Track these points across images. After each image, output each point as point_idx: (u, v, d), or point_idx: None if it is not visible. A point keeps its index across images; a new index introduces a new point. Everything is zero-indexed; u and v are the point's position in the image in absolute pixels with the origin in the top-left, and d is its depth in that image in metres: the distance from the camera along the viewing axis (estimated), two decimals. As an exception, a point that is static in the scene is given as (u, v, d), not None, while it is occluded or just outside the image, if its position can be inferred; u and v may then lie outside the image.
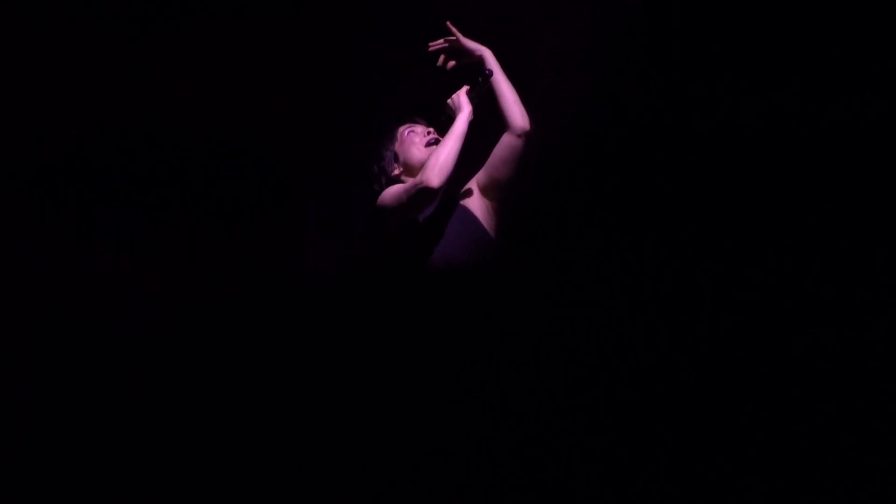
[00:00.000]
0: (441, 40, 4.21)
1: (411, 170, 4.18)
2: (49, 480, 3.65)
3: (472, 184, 4.25)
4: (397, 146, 4.18)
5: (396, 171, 4.17)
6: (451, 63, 4.19)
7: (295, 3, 4.35)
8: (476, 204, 4.21)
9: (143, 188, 4.06)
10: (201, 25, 4.16)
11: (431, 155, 3.90)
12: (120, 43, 4.09)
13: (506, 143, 4.15)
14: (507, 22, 4.40)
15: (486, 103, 4.19)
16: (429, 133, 4.14)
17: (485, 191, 4.22)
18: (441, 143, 3.94)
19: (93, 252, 3.93)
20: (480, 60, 4.15)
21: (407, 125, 4.20)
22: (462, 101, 4.06)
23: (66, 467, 3.65)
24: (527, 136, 4.10)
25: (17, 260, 3.85)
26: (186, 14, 4.15)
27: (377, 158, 4.21)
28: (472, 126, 4.06)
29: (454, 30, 4.18)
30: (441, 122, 4.13)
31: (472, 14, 4.13)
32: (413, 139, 4.17)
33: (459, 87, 4.16)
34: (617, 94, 3.92)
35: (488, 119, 4.22)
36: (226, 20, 4.17)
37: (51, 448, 3.67)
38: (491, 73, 4.08)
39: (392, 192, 4.06)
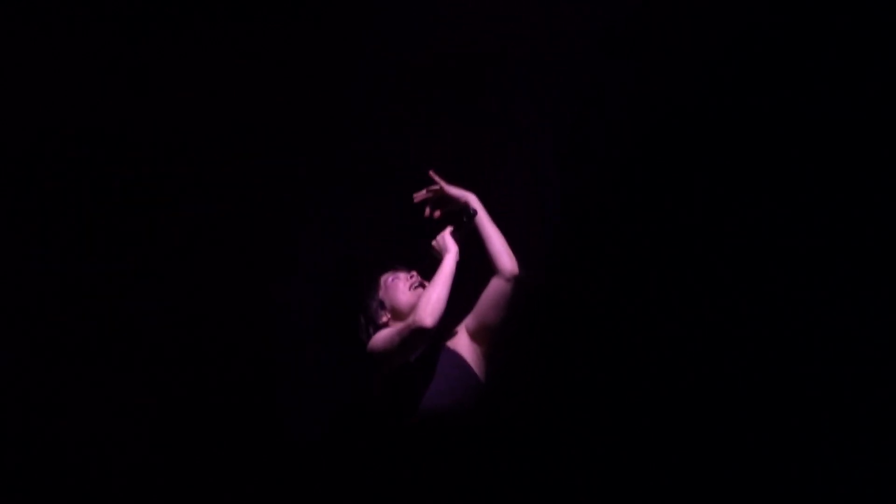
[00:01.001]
0: (424, 191, 4.20)
1: (399, 314, 4.15)
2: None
3: (461, 328, 4.21)
4: (382, 294, 4.16)
5: (384, 319, 4.14)
6: (437, 212, 4.19)
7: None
8: (465, 348, 4.16)
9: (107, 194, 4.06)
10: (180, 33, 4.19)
11: (422, 296, 3.89)
12: (114, 43, 4.11)
13: (494, 288, 4.13)
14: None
15: (473, 247, 4.20)
16: (411, 277, 4.13)
17: (474, 335, 4.19)
18: (430, 284, 3.92)
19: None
20: (465, 205, 4.14)
21: (389, 273, 4.18)
22: (447, 242, 4.05)
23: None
24: (516, 281, 4.08)
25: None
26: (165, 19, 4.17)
27: (363, 309, 4.18)
28: (459, 267, 4.04)
29: (437, 178, 4.16)
30: (426, 264, 4.12)
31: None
32: (397, 285, 4.14)
33: (442, 229, 4.16)
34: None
35: (474, 260, 4.20)
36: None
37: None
38: (475, 213, 4.06)
39: (384, 335, 4.03)
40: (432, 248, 4.09)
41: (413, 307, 3.95)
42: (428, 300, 3.84)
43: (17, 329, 3.96)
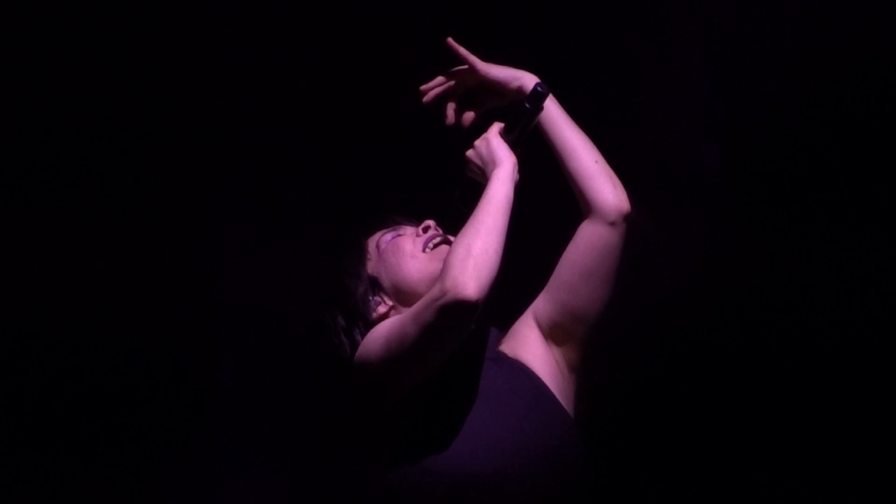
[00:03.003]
0: (440, 78, 3.06)
1: (410, 295, 2.92)
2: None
3: (525, 321, 3.05)
4: (373, 266, 2.99)
5: (382, 309, 2.94)
6: (470, 115, 3.06)
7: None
8: (535, 355, 2.96)
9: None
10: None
11: (454, 249, 2.76)
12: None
13: (587, 240, 2.95)
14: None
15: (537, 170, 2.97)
16: (425, 230, 3.00)
17: (551, 331, 2.99)
18: (469, 226, 2.81)
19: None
20: (520, 90, 3.01)
21: (383, 231, 3.05)
22: (496, 148, 2.92)
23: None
24: (626, 225, 2.92)
25: None
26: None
27: (336, 302, 3.00)
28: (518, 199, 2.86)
29: (462, 51, 3.02)
30: (454, 199, 2.99)
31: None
32: (402, 246, 2.98)
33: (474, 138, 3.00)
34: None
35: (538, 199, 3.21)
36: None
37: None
38: (546, 90, 2.92)
39: (383, 331, 2.83)
40: (467, 165, 2.94)
41: (435, 278, 2.79)
42: (467, 251, 2.74)
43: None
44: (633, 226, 2.86)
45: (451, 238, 2.92)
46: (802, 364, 3.78)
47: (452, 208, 2.99)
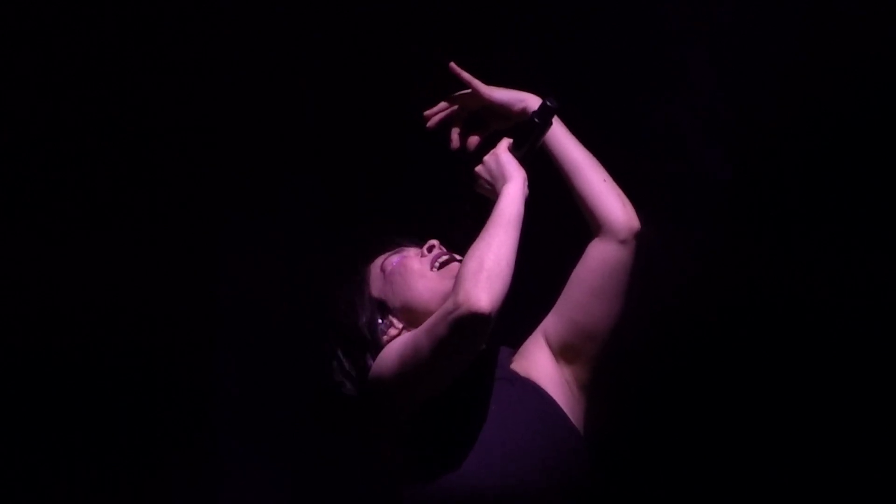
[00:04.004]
0: (443, 103, 3.05)
1: (420, 316, 2.89)
2: None
3: (535, 340, 3.03)
4: (379, 290, 2.96)
5: (393, 332, 2.92)
6: (475, 139, 3.05)
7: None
8: (545, 373, 2.95)
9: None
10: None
11: (466, 263, 2.76)
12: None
13: (597, 259, 2.95)
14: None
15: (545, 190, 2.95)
16: (430, 250, 2.98)
17: (562, 350, 2.97)
18: (481, 240, 2.80)
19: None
20: (523, 114, 2.99)
21: (387, 254, 3.02)
22: (505, 164, 2.91)
23: None
24: (637, 243, 2.91)
25: None
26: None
27: (342, 331, 2.98)
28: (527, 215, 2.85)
29: (465, 75, 3.00)
30: (464, 216, 2.98)
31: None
32: (410, 266, 2.95)
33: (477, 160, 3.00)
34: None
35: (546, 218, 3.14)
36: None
37: None
38: (555, 106, 2.90)
39: (399, 346, 2.82)
40: (476, 181, 2.93)
41: (446, 296, 2.77)
42: (479, 265, 2.73)
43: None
44: (643, 243, 2.84)
45: (457, 256, 2.91)
46: (811, 370, 3.75)
47: (462, 224, 2.97)
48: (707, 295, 3.72)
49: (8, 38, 4.10)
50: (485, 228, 2.78)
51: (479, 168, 2.89)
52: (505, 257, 2.73)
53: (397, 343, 2.79)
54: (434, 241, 2.95)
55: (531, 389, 2.84)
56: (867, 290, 3.73)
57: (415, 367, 2.73)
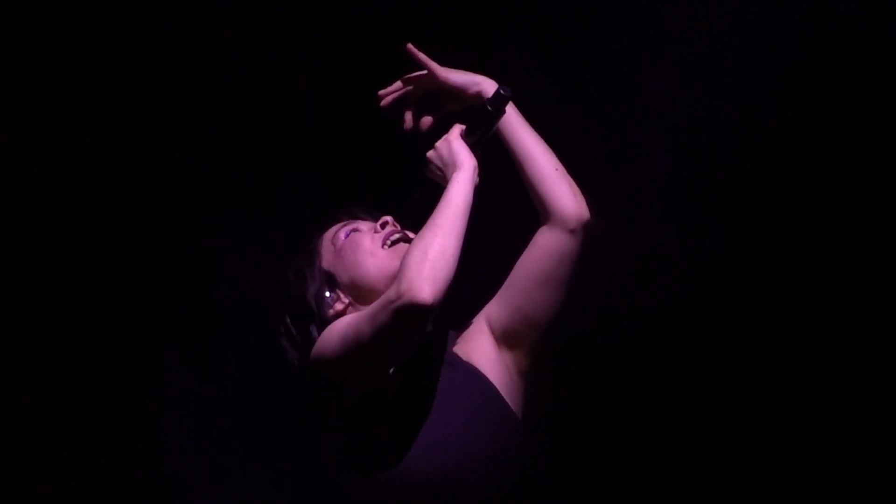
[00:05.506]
0: (398, 83, 3.04)
1: (368, 292, 2.89)
2: None
3: (477, 325, 3.03)
4: (329, 262, 2.95)
5: (339, 306, 2.91)
6: (428, 119, 3.03)
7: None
8: (487, 359, 2.95)
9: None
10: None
11: (411, 250, 2.74)
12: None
13: (545, 247, 2.94)
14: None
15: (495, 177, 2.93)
16: (383, 226, 2.96)
17: (503, 336, 2.98)
18: (427, 228, 2.77)
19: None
20: (478, 95, 2.97)
21: (338, 225, 3.00)
22: (457, 151, 2.88)
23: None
24: (584, 233, 2.91)
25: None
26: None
27: (291, 299, 2.98)
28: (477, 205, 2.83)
29: (421, 56, 2.98)
30: (414, 200, 2.95)
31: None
32: (359, 242, 2.94)
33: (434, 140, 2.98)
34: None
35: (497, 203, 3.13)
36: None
37: None
38: (508, 94, 2.88)
39: (340, 328, 2.77)
40: (427, 166, 2.92)
41: (394, 275, 2.75)
42: (424, 254, 2.71)
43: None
44: (591, 233, 2.84)
45: (410, 234, 2.90)
46: (811, 370, 3.77)
47: (411, 208, 2.96)
48: (707, 295, 3.74)
49: (8, 38, 4.06)
50: (432, 216, 2.77)
51: (430, 153, 2.88)
52: (450, 247, 2.71)
53: (340, 324, 2.78)
54: (388, 218, 2.94)
55: (472, 375, 2.84)
56: (867, 291, 3.71)
57: (355, 352, 2.71)
